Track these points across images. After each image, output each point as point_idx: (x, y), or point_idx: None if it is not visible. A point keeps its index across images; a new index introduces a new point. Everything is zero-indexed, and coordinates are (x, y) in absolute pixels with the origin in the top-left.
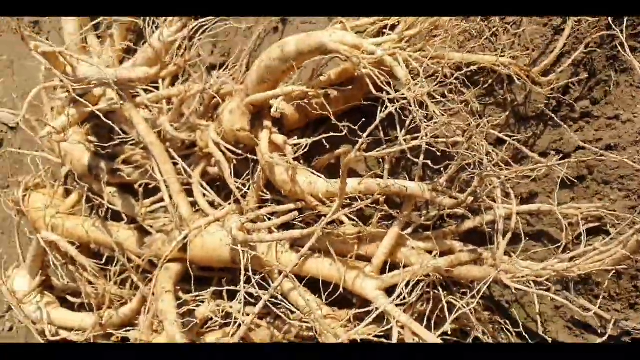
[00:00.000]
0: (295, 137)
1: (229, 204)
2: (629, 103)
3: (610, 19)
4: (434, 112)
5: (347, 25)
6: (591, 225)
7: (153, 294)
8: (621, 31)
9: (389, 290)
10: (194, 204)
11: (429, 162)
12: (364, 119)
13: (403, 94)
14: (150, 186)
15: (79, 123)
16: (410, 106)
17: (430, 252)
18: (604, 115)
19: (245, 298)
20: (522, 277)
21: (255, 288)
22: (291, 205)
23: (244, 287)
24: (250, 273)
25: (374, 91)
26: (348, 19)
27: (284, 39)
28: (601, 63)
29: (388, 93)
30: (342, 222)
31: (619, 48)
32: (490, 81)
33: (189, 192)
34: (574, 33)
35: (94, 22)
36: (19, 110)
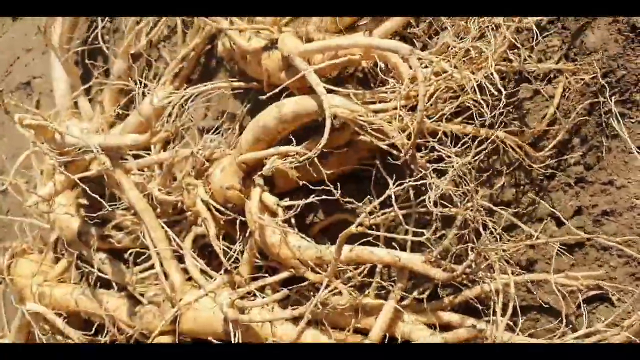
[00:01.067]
0: (287, 199)
1: (221, 273)
2: (622, 168)
3: (598, 85)
4: (430, 180)
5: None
6: (592, 293)
7: None
8: (610, 97)
9: None
10: (186, 269)
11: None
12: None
13: (398, 161)
14: (142, 254)
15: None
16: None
17: (429, 324)
18: (598, 180)
19: None
20: None
21: None
22: (284, 275)
23: None
24: None
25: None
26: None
27: (282, 100)
28: (592, 129)
29: (384, 158)
30: (335, 289)
31: (610, 114)
32: (485, 149)
33: (181, 258)
34: (564, 99)
35: (85, 86)
36: (8, 171)
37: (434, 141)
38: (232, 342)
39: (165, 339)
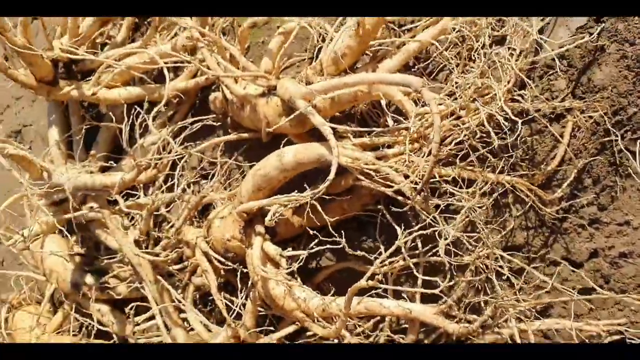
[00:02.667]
0: (290, 248)
1: (226, 326)
2: (638, 208)
3: (609, 124)
4: (441, 227)
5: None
6: (614, 337)
7: None
8: (621, 136)
9: None
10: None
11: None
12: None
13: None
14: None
15: (63, 235)
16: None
17: None
18: (613, 221)
19: None
20: None
21: None
22: (290, 329)
23: None
24: None
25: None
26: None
27: (283, 149)
28: (604, 169)
29: (388, 204)
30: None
31: (623, 152)
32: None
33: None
34: (574, 139)
35: (79, 127)
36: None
37: (443, 182)
38: None
39: None
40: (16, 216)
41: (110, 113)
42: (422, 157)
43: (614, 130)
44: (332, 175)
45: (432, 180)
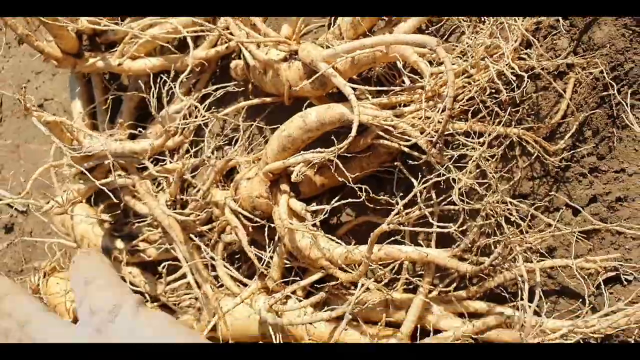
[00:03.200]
0: (314, 204)
1: (256, 277)
2: (633, 156)
3: (607, 79)
4: (454, 175)
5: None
6: (610, 274)
7: None
8: (619, 91)
9: None
10: (216, 277)
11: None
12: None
13: (420, 159)
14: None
15: (90, 201)
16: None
17: (457, 313)
18: (611, 169)
19: None
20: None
21: None
22: (315, 277)
23: None
24: None
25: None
26: (366, 94)
27: (306, 110)
28: (603, 121)
29: (405, 161)
30: (367, 288)
31: (620, 105)
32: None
33: (211, 265)
34: (575, 94)
35: (100, 99)
36: (27, 196)
37: (457, 134)
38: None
39: None
40: (43, 186)
41: (133, 84)
42: (437, 112)
43: (612, 85)
44: (354, 132)
45: (446, 133)
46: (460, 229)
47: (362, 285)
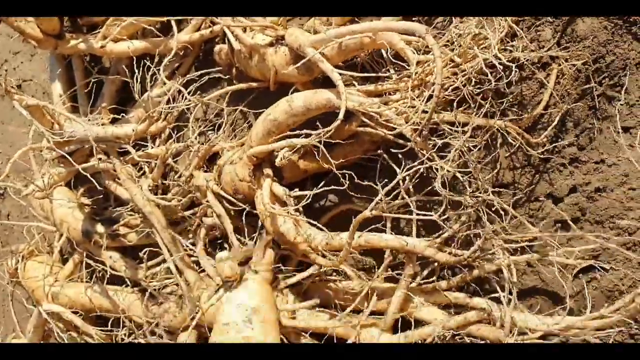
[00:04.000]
0: (296, 189)
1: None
2: (612, 147)
3: (590, 71)
4: (437, 163)
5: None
6: (589, 262)
7: None
8: (599, 83)
9: None
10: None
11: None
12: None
13: (404, 148)
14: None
15: (70, 185)
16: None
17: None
18: (591, 160)
19: None
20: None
21: None
22: (304, 274)
23: None
24: None
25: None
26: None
27: (292, 95)
28: (584, 112)
29: (388, 150)
30: (348, 277)
31: (601, 97)
32: (486, 136)
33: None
34: (557, 85)
35: (82, 82)
36: (5, 179)
37: (441, 124)
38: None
39: (191, 335)
40: (21, 169)
41: (115, 67)
42: (422, 101)
43: (594, 77)
44: (341, 116)
45: (431, 122)
46: (442, 217)
47: (346, 273)
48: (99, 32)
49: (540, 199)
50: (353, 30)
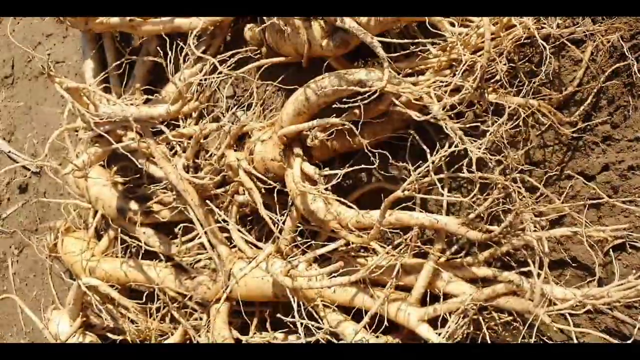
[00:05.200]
0: (327, 169)
1: (270, 242)
2: None
3: (625, 48)
4: (464, 141)
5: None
6: (619, 241)
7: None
8: (637, 59)
9: (431, 320)
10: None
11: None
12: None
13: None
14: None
15: (104, 163)
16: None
17: (467, 279)
18: (624, 138)
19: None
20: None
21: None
22: (332, 246)
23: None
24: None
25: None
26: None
27: (322, 75)
28: (619, 90)
29: (418, 128)
30: (377, 252)
31: (635, 75)
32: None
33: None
34: (591, 63)
35: (115, 63)
36: (40, 154)
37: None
38: (282, 301)
39: (223, 308)
40: (55, 148)
41: (146, 47)
42: (459, 77)
43: (630, 53)
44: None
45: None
46: (471, 198)
47: (375, 250)
48: None
49: (572, 176)
50: None
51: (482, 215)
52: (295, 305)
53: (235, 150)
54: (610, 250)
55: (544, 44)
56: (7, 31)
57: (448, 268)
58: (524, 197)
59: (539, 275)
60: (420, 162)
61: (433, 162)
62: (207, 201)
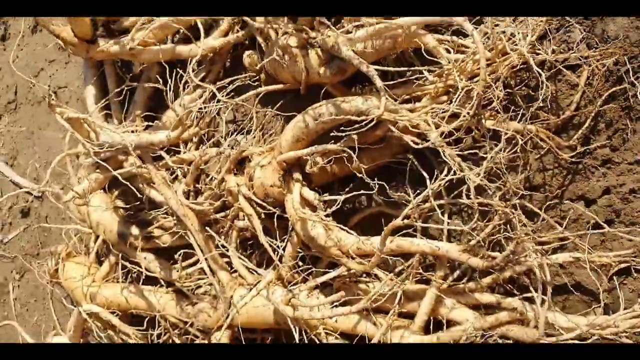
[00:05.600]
0: (326, 194)
1: (271, 268)
2: None
3: (622, 71)
4: (462, 169)
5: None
6: (623, 265)
7: None
8: (632, 83)
9: None
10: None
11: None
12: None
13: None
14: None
15: (104, 189)
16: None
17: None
18: (624, 161)
19: None
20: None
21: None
22: (333, 273)
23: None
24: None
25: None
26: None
27: (321, 102)
28: (617, 113)
29: (417, 152)
30: (379, 279)
31: (635, 97)
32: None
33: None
34: (588, 87)
35: (116, 90)
36: (42, 179)
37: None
38: (284, 328)
39: (224, 334)
40: (57, 172)
41: (146, 73)
42: (455, 105)
43: (627, 77)
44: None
45: (459, 129)
46: (472, 225)
47: (376, 276)
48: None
49: (573, 201)
50: (388, 27)
51: (483, 241)
52: (296, 335)
53: (235, 174)
54: (615, 275)
55: (540, 70)
56: (10, 58)
57: (451, 294)
58: (525, 225)
59: (542, 302)
60: (420, 187)
61: (432, 190)
62: (207, 228)
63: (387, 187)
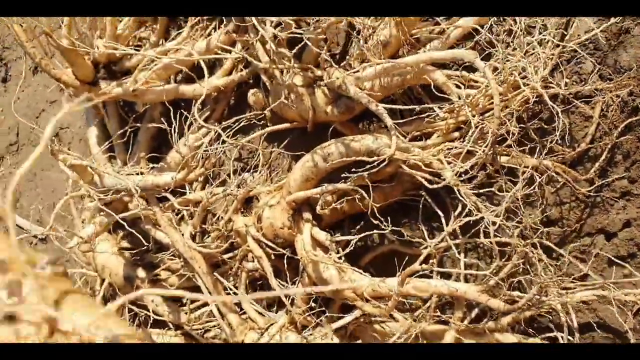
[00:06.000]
0: (338, 234)
1: (283, 312)
2: None
3: (637, 102)
4: (479, 209)
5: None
6: None
7: None
8: None
9: None
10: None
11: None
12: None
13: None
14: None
15: (109, 231)
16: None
17: None
18: None
19: None
20: None
21: None
22: (348, 318)
23: None
24: None
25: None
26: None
27: (329, 142)
28: (634, 144)
29: (428, 190)
30: (395, 319)
31: None
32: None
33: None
34: (602, 118)
35: (119, 132)
36: (45, 220)
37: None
38: None
39: None
40: (60, 214)
41: (149, 113)
42: (466, 144)
43: None
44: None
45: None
46: (493, 269)
47: (392, 316)
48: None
49: (592, 235)
50: (395, 65)
51: (502, 280)
52: None
53: (242, 213)
54: None
55: (553, 104)
56: (12, 100)
57: (470, 335)
58: (546, 266)
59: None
60: (433, 223)
61: (446, 224)
62: (214, 267)
63: (400, 225)
